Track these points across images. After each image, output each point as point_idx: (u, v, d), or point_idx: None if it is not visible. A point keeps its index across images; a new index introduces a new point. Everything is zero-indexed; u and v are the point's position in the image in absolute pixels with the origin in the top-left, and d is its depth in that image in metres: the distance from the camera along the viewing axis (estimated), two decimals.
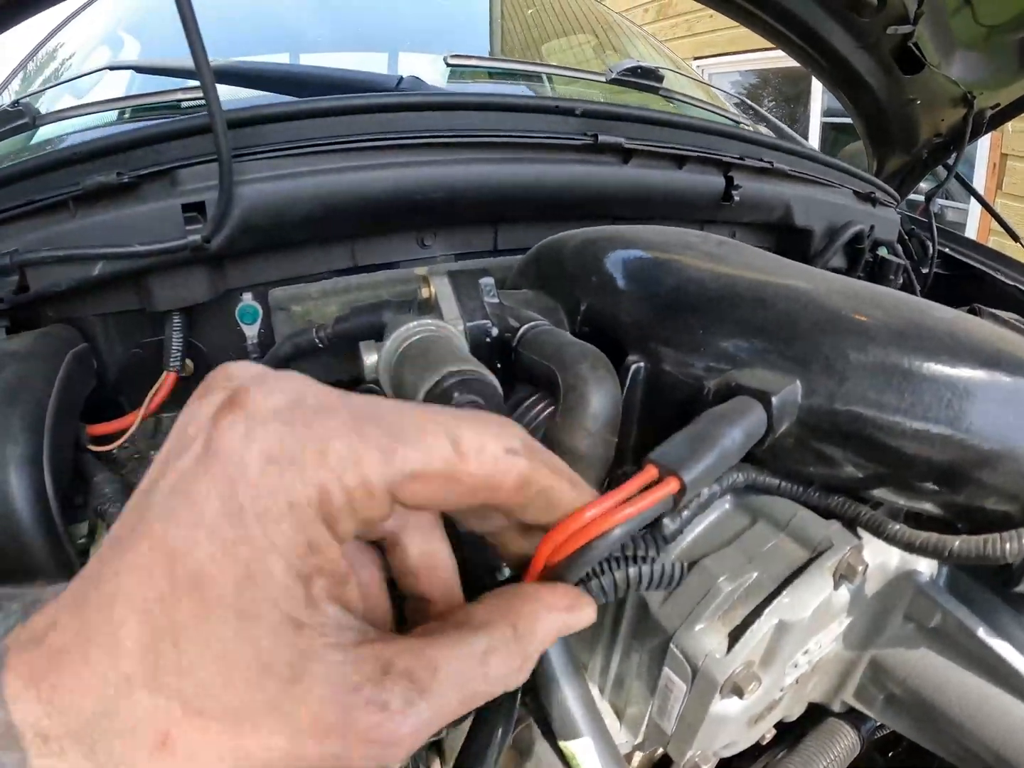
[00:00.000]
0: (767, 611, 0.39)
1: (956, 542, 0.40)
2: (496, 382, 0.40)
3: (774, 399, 0.38)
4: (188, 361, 0.61)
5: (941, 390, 0.40)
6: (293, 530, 0.18)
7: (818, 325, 0.42)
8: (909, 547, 0.41)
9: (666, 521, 0.41)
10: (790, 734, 0.58)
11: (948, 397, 0.40)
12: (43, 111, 0.94)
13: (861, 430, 0.41)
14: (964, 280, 1.16)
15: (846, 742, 0.55)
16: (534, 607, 0.23)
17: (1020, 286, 1.11)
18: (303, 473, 0.18)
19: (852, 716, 0.57)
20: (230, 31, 1.26)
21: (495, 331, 0.48)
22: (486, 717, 0.41)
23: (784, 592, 0.40)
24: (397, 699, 0.19)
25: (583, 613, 0.25)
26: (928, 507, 0.44)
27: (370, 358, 0.47)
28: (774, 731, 0.54)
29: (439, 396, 0.38)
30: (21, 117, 0.88)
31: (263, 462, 0.18)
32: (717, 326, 0.43)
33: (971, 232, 3.21)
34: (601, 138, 0.61)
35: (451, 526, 0.28)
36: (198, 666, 0.18)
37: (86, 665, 0.18)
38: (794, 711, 0.54)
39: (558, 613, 0.24)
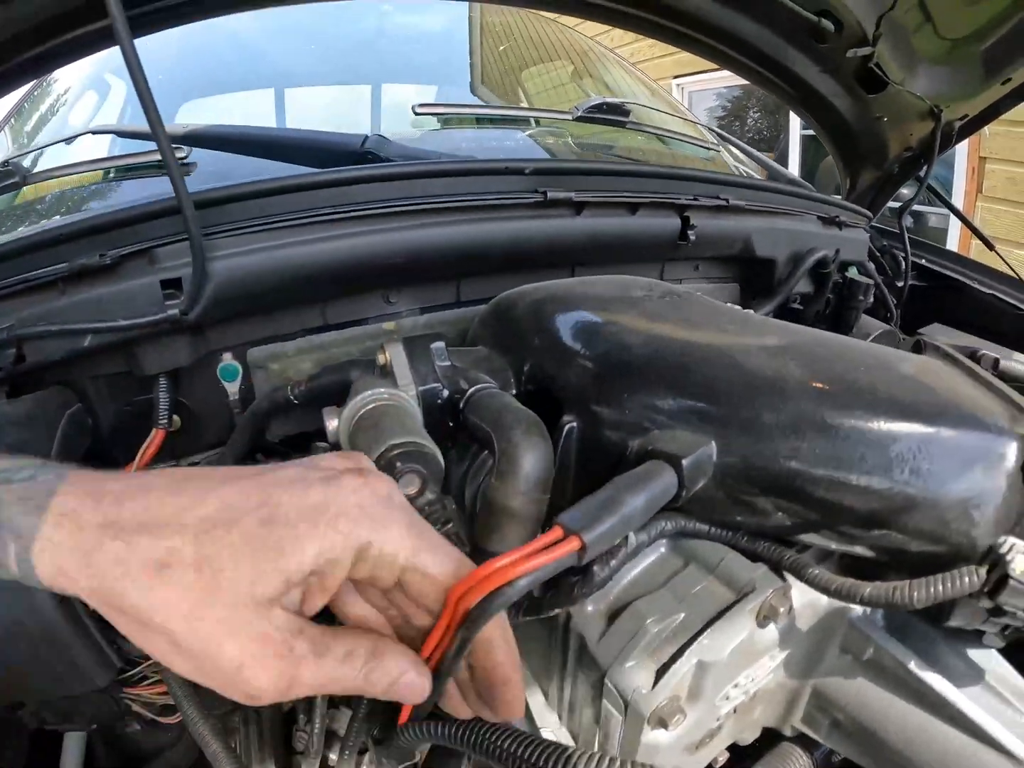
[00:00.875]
0: (688, 651, 0.43)
1: (868, 588, 0.43)
2: (436, 451, 0.44)
3: (685, 462, 0.41)
4: (175, 417, 0.66)
5: (856, 444, 0.43)
6: (339, 544, 0.28)
7: (735, 388, 0.45)
8: (826, 591, 0.45)
9: (595, 568, 0.45)
10: (749, 757, 0.62)
11: (862, 450, 0.43)
12: (30, 165, 1.00)
13: (776, 484, 0.44)
14: (942, 291, 1.18)
15: (797, 766, 0.58)
16: (388, 645, 0.33)
17: (996, 294, 1.13)
18: (371, 526, 0.29)
19: (805, 740, 0.60)
20: (217, 68, 1.30)
21: (446, 393, 0.52)
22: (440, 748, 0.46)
23: (704, 634, 0.44)
24: (299, 649, 0.28)
25: (419, 679, 0.33)
26: (857, 550, 0.47)
27: (331, 423, 0.51)
28: (727, 754, 0.57)
29: (384, 466, 0.42)
30: (11, 177, 0.94)
31: (356, 505, 0.29)
32: (641, 390, 0.46)
33: (953, 237, 3.18)
34: (551, 194, 0.65)
35: None
36: (228, 557, 0.27)
37: (155, 498, 0.28)
38: (745, 735, 0.57)
39: (405, 660, 0.32)
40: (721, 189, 0.79)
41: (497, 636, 0.34)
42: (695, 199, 0.75)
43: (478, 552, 0.45)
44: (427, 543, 0.31)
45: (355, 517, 0.28)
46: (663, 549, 0.50)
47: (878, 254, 1.11)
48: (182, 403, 0.66)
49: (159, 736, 0.75)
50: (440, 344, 0.53)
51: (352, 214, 0.59)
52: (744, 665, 0.47)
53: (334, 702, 0.64)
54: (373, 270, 0.61)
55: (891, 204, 1.31)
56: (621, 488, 0.38)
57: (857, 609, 0.52)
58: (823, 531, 0.47)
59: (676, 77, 4.71)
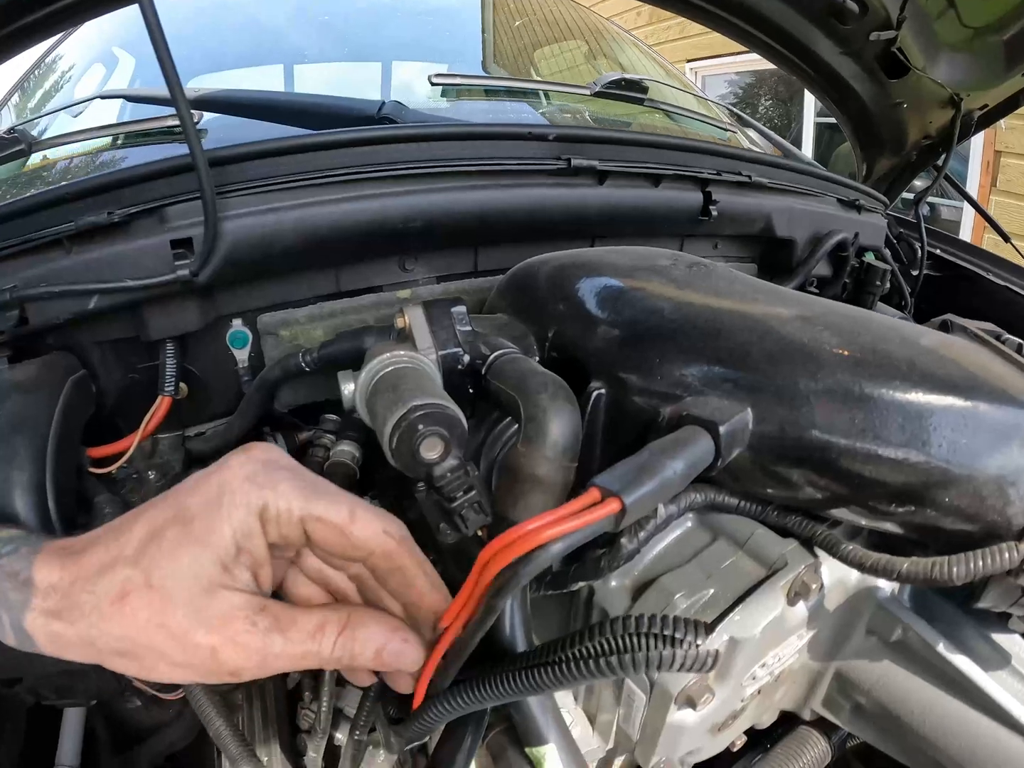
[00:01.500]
0: (718, 628, 0.41)
1: (905, 564, 0.42)
2: (460, 414, 0.42)
3: (722, 428, 0.39)
4: (182, 385, 0.64)
5: (893, 415, 0.41)
6: (242, 516, 0.30)
7: (770, 355, 0.43)
8: (860, 567, 0.43)
9: (623, 541, 0.43)
10: (765, 740, 0.60)
11: (900, 422, 0.42)
12: (37, 133, 0.97)
13: (812, 455, 0.42)
14: (955, 281, 1.17)
15: (816, 751, 0.57)
16: (363, 615, 0.33)
17: (1010, 286, 1.12)
18: (260, 492, 0.31)
19: (823, 724, 0.58)
20: (226, 43, 1.28)
21: (466, 359, 0.50)
22: (457, 723, 0.44)
23: (735, 610, 0.42)
24: (262, 623, 0.30)
25: (404, 646, 0.34)
26: (888, 527, 0.45)
27: (347, 388, 0.49)
28: (745, 738, 0.56)
29: (406, 428, 0.41)
30: (17, 144, 0.91)
31: (244, 479, 0.31)
32: (673, 355, 0.44)
33: (966, 230, 3.15)
34: (574, 161, 0.63)
35: None
36: (164, 563, 0.30)
37: (103, 547, 0.31)
38: (764, 719, 0.56)
39: (382, 627, 0.33)
40: (743, 165, 0.77)
41: (412, 569, 0.35)
42: (718, 174, 0.73)
43: (500, 522, 0.43)
44: (317, 492, 0.32)
45: (247, 489, 0.31)
46: (689, 523, 0.49)
47: (894, 241, 1.10)
48: (189, 370, 0.64)
49: (159, 713, 0.73)
50: (461, 308, 0.51)
51: (371, 175, 0.57)
52: (773, 644, 0.45)
53: (341, 680, 0.62)
54: (390, 234, 0.59)
55: (903, 195, 1.29)
56: (658, 452, 0.37)
57: (886, 589, 0.51)
58: (855, 506, 0.45)
59: (690, 61, 4.66)
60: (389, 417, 0.41)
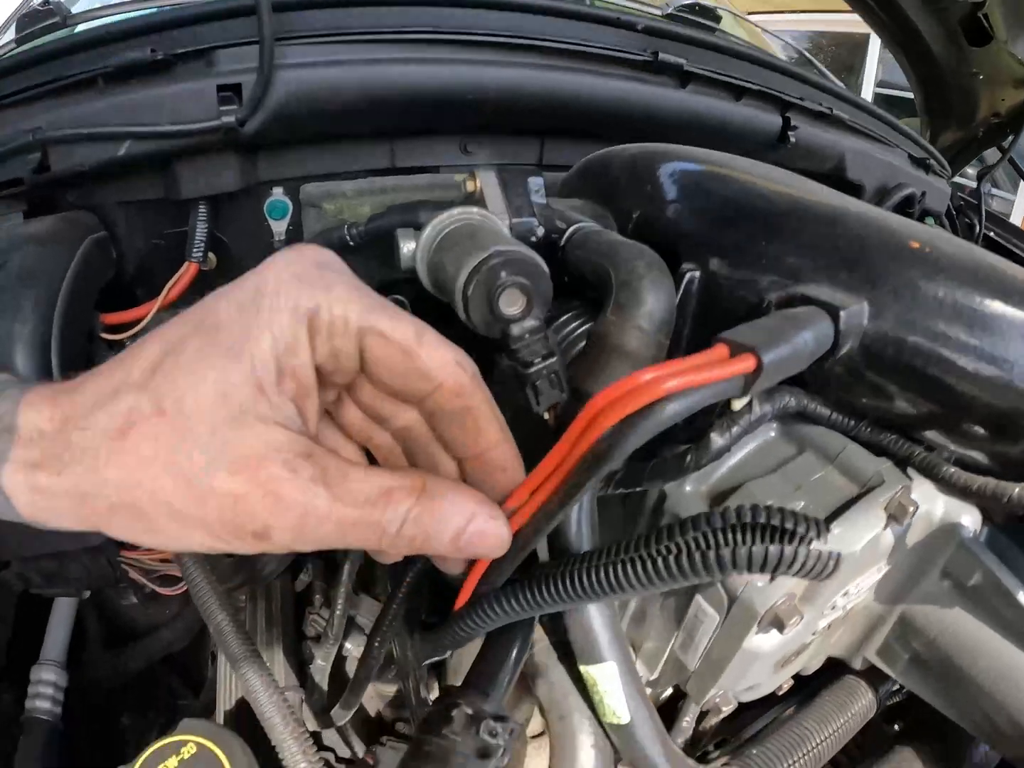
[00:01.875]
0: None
1: (1016, 488, 0.38)
2: (544, 266, 0.37)
3: (842, 313, 0.35)
4: (211, 255, 0.59)
5: (1009, 333, 0.38)
6: (287, 322, 0.23)
7: (889, 250, 0.39)
8: (965, 492, 0.40)
9: (714, 435, 0.39)
10: (805, 688, 0.57)
11: (1015, 343, 0.38)
12: (74, 11, 0.91)
13: (923, 363, 0.39)
14: None
15: (863, 701, 0.54)
16: (443, 483, 0.25)
17: None
18: (311, 292, 0.23)
19: (870, 675, 0.55)
20: None
21: (541, 231, 0.45)
22: (500, 632, 0.39)
23: (835, 523, 0.38)
24: (305, 473, 0.23)
25: (492, 524, 0.25)
26: (976, 455, 0.42)
27: (408, 246, 0.44)
28: (791, 681, 0.52)
29: (485, 274, 0.36)
30: (51, 16, 0.85)
31: (291, 277, 0.24)
32: (782, 239, 0.40)
33: (1016, 220, 3.13)
34: (661, 56, 0.58)
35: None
36: (181, 382, 0.22)
37: (104, 376, 0.24)
38: (812, 664, 0.52)
39: (467, 501, 0.25)
40: (825, 98, 0.73)
41: (484, 410, 0.27)
42: (801, 99, 0.68)
43: (578, 397, 0.38)
44: (378, 303, 0.25)
45: (295, 288, 0.24)
46: (772, 433, 0.45)
47: (954, 213, 1.06)
48: (220, 239, 0.59)
49: (156, 612, 0.68)
50: (539, 179, 0.47)
51: (446, 38, 0.52)
52: (862, 568, 0.41)
53: (356, 587, 0.58)
54: (458, 105, 0.54)
55: (957, 180, 1.25)
56: (786, 320, 0.32)
57: (969, 529, 0.47)
58: (951, 428, 0.41)
59: (750, 14, 4.58)
60: (465, 264, 0.36)
